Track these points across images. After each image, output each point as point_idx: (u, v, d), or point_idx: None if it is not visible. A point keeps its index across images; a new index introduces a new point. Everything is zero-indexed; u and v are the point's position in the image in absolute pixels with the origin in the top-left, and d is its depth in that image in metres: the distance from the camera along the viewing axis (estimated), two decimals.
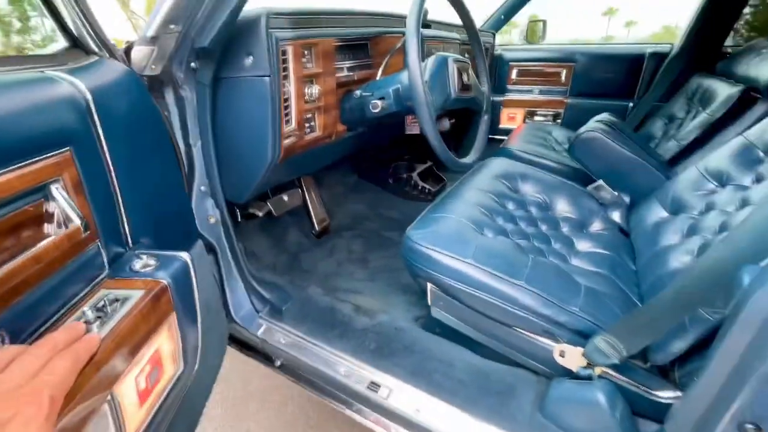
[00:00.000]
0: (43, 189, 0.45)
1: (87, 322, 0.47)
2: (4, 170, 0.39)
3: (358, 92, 1.09)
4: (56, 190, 0.46)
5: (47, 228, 0.46)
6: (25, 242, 0.43)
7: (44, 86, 0.49)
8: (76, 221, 0.48)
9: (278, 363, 1.07)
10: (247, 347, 1.11)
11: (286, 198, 1.47)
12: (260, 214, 1.32)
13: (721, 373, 0.52)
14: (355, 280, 1.43)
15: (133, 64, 0.78)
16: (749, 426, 0.51)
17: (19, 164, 0.41)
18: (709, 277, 0.55)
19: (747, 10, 2.24)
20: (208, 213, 0.98)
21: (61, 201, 0.46)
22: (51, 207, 0.46)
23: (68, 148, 0.48)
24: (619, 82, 2.08)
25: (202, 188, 0.96)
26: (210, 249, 1.01)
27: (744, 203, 0.86)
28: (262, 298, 1.13)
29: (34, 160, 0.43)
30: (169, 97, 0.85)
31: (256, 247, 1.49)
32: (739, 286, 0.49)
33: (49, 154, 0.45)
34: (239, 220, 1.32)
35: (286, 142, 0.94)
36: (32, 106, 0.45)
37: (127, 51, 0.79)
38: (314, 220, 1.68)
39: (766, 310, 0.45)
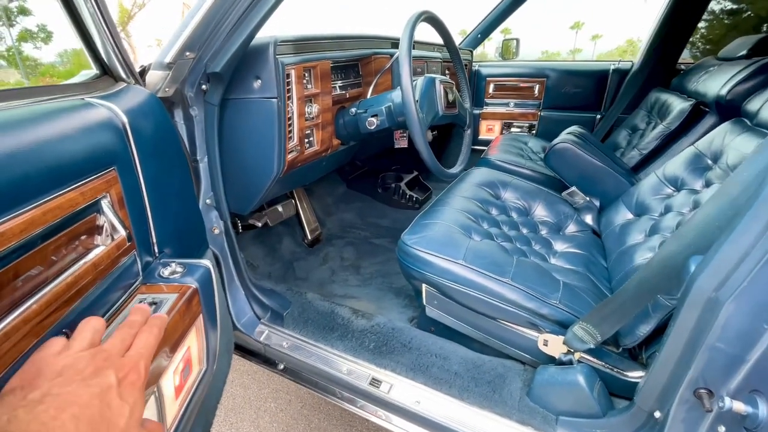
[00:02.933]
0: (96, 204, 0.51)
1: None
2: (72, 187, 0.45)
3: (352, 110, 1.17)
4: (106, 205, 0.52)
5: (98, 239, 0.52)
6: (83, 251, 0.49)
7: (90, 112, 0.55)
8: (122, 232, 0.54)
9: (281, 366, 1.12)
10: (250, 353, 1.16)
11: (280, 209, 1.53)
12: (259, 224, 1.37)
13: (676, 348, 0.63)
14: (350, 286, 1.50)
15: (147, 87, 0.84)
16: (702, 391, 0.60)
17: (82, 181, 0.47)
18: (664, 267, 0.66)
19: (701, 24, 2.47)
20: (212, 224, 1.03)
21: (110, 215, 0.52)
22: (101, 220, 0.52)
23: (113, 167, 0.54)
24: (587, 96, 2.26)
25: (207, 201, 1.01)
26: (214, 259, 1.06)
27: (696, 205, 0.99)
28: (263, 305, 1.18)
29: (91, 178, 0.49)
30: (179, 115, 0.91)
31: (251, 257, 1.53)
32: (686, 274, 0.59)
33: (101, 173, 0.51)
34: (240, 231, 1.37)
35: (289, 156, 1.02)
36: (87, 129, 0.51)
37: (142, 74, 0.85)
38: (306, 230, 1.74)
39: (707, 292, 0.56)
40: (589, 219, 1.28)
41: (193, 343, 0.64)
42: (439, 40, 1.27)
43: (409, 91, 0.96)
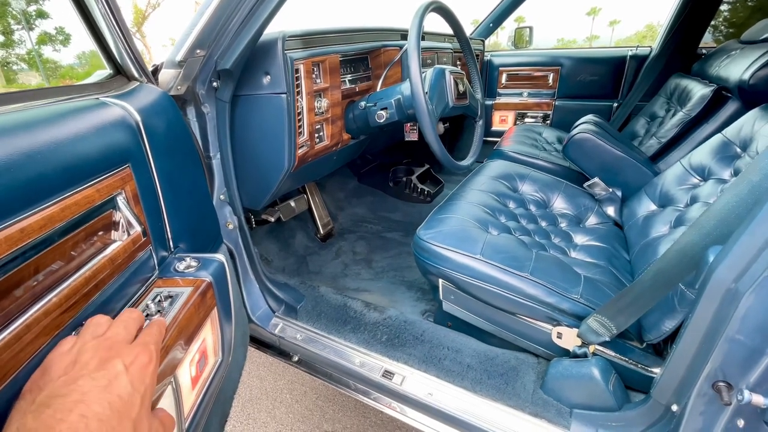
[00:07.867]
0: (112, 201, 0.52)
1: (149, 315, 0.55)
2: (88, 185, 0.47)
3: (362, 103, 1.17)
4: (121, 201, 0.53)
5: (114, 234, 0.54)
6: (100, 246, 0.50)
7: (104, 111, 0.56)
8: (138, 228, 0.55)
9: (295, 358, 1.13)
10: (265, 345, 1.18)
11: (293, 204, 1.54)
12: (272, 219, 1.39)
13: (694, 341, 0.61)
14: (362, 280, 1.51)
15: (160, 85, 0.85)
16: (721, 384, 0.59)
17: (98, 179, 0.49)
18: (682, 258, 0.64)
19: (724, 7, 2.37)
20: (226, 219, 1.05)
21: (125, 211, 0.54)
22: (117, 216, 0.54)
23: (128, 164, 0.56)
24: (603, 84, 2.20)
25: (221, 197, 1.03)
26: (228, 253, 1.08)
27: None
28: (277, 299, 1.20)
29: (107, 175, 0.50)
30: (191, 113, 0.93)
31: (265, 251, 1.56)
32: (705, 264, 0.58)
33: (116, 170, 0.52)
34: (253, 226, 1.39)
35: (300, 152, 1.02)
36: (101, 128, 0.52)
37: (154, 73, 0.87)
38: (319, 224, 1.75)
39: (726, 282, 0.54)
40: (611, 211, 1.24)
41: (209, 335, 0.66)
42: (450, 31, 1.25)
43: (418, 83, 0.95)
